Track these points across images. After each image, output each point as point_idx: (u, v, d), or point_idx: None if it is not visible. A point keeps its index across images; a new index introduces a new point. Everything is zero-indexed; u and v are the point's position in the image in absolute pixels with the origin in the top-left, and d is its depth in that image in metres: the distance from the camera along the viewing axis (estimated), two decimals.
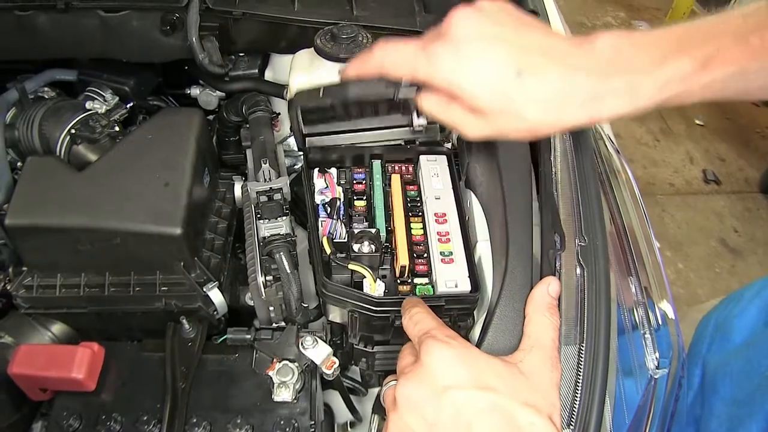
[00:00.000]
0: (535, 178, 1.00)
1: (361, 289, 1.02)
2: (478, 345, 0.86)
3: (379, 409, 1.35)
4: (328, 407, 1.38)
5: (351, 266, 1.01)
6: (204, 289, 1.18)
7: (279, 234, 1.04)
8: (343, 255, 1.04)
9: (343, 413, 1.38)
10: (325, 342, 1.13)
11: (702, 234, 3.65)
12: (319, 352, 1.10)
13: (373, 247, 1.05)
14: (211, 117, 1.59)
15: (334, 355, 1.17)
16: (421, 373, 0.68)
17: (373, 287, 1.02)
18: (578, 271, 0.90)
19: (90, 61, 1.44)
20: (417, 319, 0.78)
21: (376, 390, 1.37)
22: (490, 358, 0.70)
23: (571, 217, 0.95)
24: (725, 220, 3.75)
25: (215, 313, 1.22)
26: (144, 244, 1.04)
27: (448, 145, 1.30)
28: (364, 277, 1.01)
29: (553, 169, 0.98)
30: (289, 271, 1.03)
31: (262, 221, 1.06)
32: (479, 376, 0.66)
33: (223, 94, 1.52)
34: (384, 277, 1.08)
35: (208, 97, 1.54)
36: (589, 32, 0.64)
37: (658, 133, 4.27)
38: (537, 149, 1.02)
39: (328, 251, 1.02)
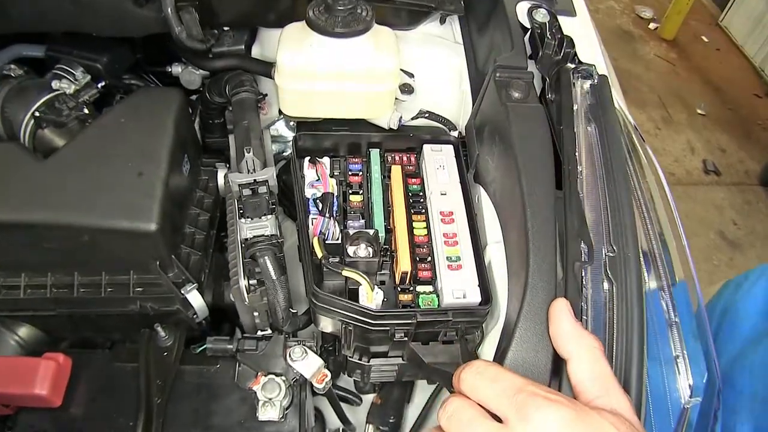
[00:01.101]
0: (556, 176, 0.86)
1: (357, 298, 0.89)
2: (500, 358, 0.73)
3: (374, 417, 1.24)
4: (318, 412, 1.26)
5: (345, 273, 0.87)
6: (182, 291, 1.05)
7: (263, 235, 0.90)
8: (337, 259, 0.90)
9: (335, 418, 1.25)
10: (316, 352, 1.00)
11: (701, 225, 3.55)
12: (308, 364, 0.97)
13: (370, 250, 0.91)
14: (194, 97, 1.44)
15: (326, 364, 1.04)
16: None
17: (370, 296, 0.88)
18: (605, 286, 0.77)
19: (63, 36, 1.29)
20: (492, 376, 0.63)
21: (370, 397, 1.25)
22: (601, 413, 0.59)
23: (598, 222, 0.81)
24: (725, 212, 3.65)
25: (195, 316, 1.09)
26: (115, 241, 0.94)
27: (455, 134, 1.16)
28: (360, 284, 0.88)
29: (579, 167, 0.84)
30: (274, 278, 0.89)
31: (244, 220, 0.92)
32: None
33: (207, 72, 1.36)
34: (382, 283, 0.94)
35: (190, 75, 1.38)
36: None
37: (659, 121, 4.13)
38: (559, 143, 0.88)
39: (320, 255, 0.88)
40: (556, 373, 0.72)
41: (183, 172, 1.14)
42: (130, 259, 0.99)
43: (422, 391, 1.26)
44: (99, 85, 1.21)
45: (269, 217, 0.91)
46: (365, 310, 0.84)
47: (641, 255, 0.79)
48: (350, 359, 0.97)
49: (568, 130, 0.87)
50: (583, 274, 0.75)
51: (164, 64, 1.38)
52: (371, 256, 0.90)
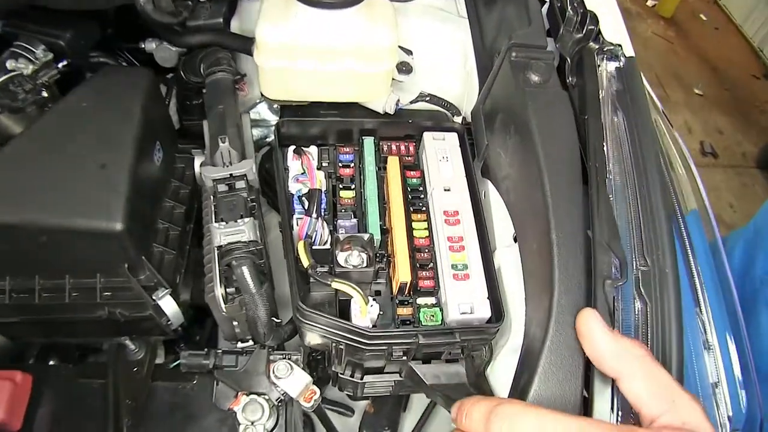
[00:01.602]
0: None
1: (348, 311, 0.77)
2: (520, 396, 0.62)
3: (367, 427, 1.13)
4: (307, 418, 1.15)
5: (335, 285, 0.74)
6: (153, 297, 0.94)
7: (240, 242, 0.77)
8: (326, 269, 0.77)
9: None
10: (303, 367, 0.88)
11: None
12: (294, 381, 0.86)
13: (364, 257, 0.78)
14: (172, 75, 1.29)
15: (314, 373, 0.93)
16: None
17: (364, 311, 0.76)
18: (638, 305, 0.65)
19: (25, 9, 1.14)
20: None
21: (363, 404, 1.14)
22: None
23: (627, 229, 0.69)
24: (721, 195, 3.54)
25: (169, 324, 0.96)
26: (77, 242, 0.84)
27: (459, 120, 1.02)
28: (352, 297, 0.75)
29: (608, 164, 0.71)
30: (254, 290, 0.76)
31: (218, 224, 0.78)
32: None
33: (184, 49, 1.22)
34: (378, 293, 0.82)
35: (165, 52, 1.23)
36: None
37: (655, 101, 4.00)
38: (584, 136, 0.75)
39: (306, 263, 0.76)
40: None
41: (154, 161, 1.02)
42: (95, 261, 0.90)
43: (420, 398, 1.15)
44: (60, 65, 1.07)
45: (246, 220, 0.78)
46: (358, 330, 0.72)
47: (679, 269, 0.66)
48: (341, 376, 0.85)
49: (594, 120, 0.74)
50: (614, 294, 0.63)
51: (138, 39, 1.24)
52: (365, 264, 0.77)
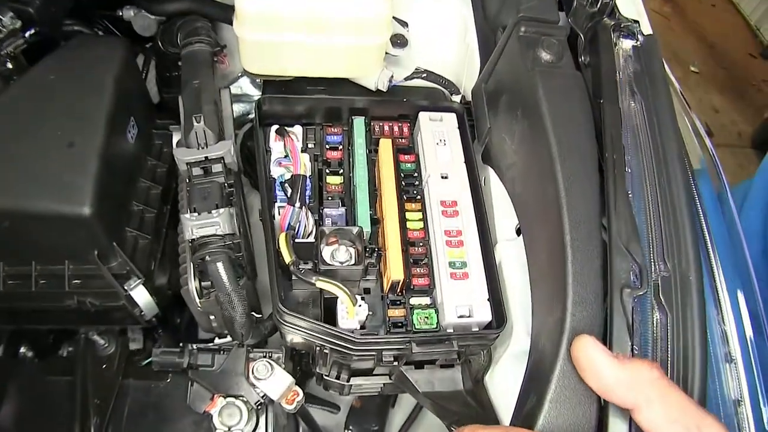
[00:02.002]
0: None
1: (334, 310, 0.69)
2: (526, 422, 0.54)
3: (354, 422, 1.07)
4: (294, 416, 1.08)
5: (320, 284, 0.66)
6: (125, 287, 0.87)
7: (215, 235, 0.68)
8: (309, 266, 0.69)
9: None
10: (285, 366, 0.80)
11: None
12: (275, 383, 0.79)
13: (352, 252, 0.70)
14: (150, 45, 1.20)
15: (297, 366, 0.86)
16: None
17: (352, 312, 0.68)
18: (657, 316, 0.57)
19: None
20: None
21: (350, 397, 1.07)
22: None
23: (645, 230, 0.61)
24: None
25: (142, 315, 0.88)
26: (43, 227, 0.79)
27: (458, 99, 0.93)
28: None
29: (626, 156, 0.63)
30: (230, 289, 0.68)
31: (189, 215, 0.69)
32: None
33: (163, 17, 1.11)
34: (367, 291, 0.74)
35: (144, 20, 1.13)
36: None
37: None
38: (600, 123, 0.66)
39: (288, 259, 0.67)
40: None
41: (128, 138, 0.94)
42: (62, 247, 0.84)
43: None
44: (26, 34, 0.97)
45: (222, 211, 0.69)
46: (344, 335, 0.64)
47: (704, 274, 0.59)
48: (327, 378, 0.78)
49: (610, 105, 0.66)
50: (633, 305, 0.55)
51: (115, 7, 1.14)
52: (353, 261, 0.69)
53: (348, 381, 0.77)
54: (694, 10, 4.58)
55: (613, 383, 0.50)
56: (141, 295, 0.88)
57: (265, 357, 0.81)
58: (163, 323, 1.03)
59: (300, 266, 0.67)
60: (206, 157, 0.75)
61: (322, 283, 0.66)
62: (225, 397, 0.78)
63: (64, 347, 0.93)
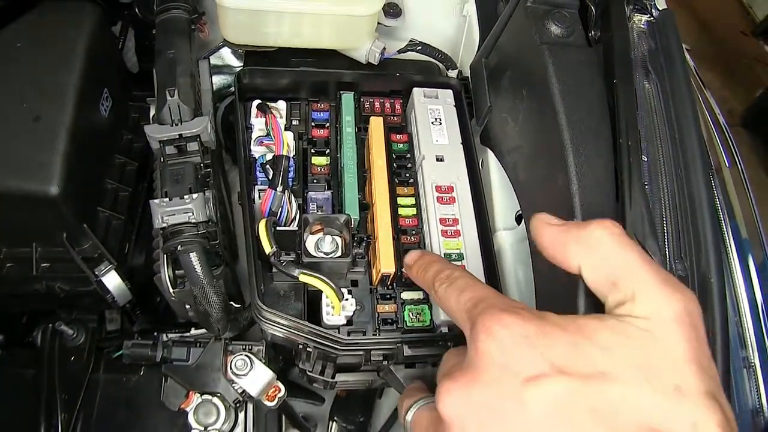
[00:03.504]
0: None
1: (319, 304, 0.62)
2: None
3: (339, 413, 1.01)
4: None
5: (303, 278, 0.59)
6: (95, 272, 0.80)
7: (187, 223, 0.60)
8: (291, 257, 0.62)
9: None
10: (264, 360, 0.74)
11: None
12: (255, 378, 0.74)
13: (339, 242, 0.63)
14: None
15: (278, 356, 0.80)
16: (478, 367, 0.36)
17: (338, 308, 0.61)
18: None
19: None
20: (461, 285, 0.44)
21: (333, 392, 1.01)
22: (583, 320, 0.36)
23: (658, 225, 0.55)
24: None
25: (115, 301, 0.82)
26: (7, 207, 0.73)
27: (455, 74, 0.86)
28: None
29: (641, 142, 0.56)
30: (204, 282, 0.60)
31: (159, 200, 0.61)
32: (577, 354, 0.34)
33: None
34: (355, 284, 0.67)
35: None
36: None
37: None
38: (614, 105, 0.59)
39: (268, 249, 0.60)
40: None
41: (100, 112, 0.87)
42: (30, 229, 0.79)
43: None
44: None
45: (195, 196, 0.61)
46: (329, 335, 0.57)
47: (725, 274, 0.53)
48: (310, 374, 0.71)
49: (624, 86, 0.58)
50: None
51: None
52: (340, 253, 0.62)
53: (333, 377, 0.70)
54: None
55: (554, 238, 0.41)
56: (112, 281, 0.82)
57: (244, 350, 0.75)
58: (141, 303, 0.97)
59: (281, 257, 0.60)
60: (180, 135, 0.67)
61: (305, 277, 0.59)
62: (201, 394, 0.72)
63: (29, 337, 0.87)
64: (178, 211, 0.60)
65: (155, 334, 0.77)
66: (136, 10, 0.99)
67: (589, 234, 0.39)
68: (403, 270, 0.64)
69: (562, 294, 0.51)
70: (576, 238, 0.39)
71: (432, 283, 0.48)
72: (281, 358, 0.85)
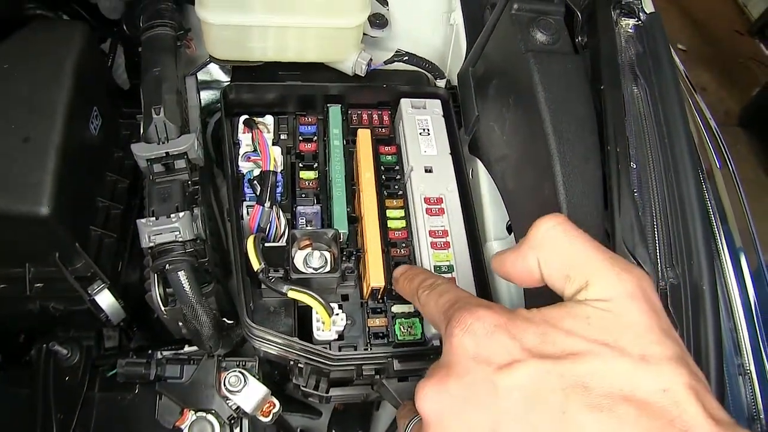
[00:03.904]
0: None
1: (309, 318, 0.62)
2: None
3: (336, 426, 1.00)
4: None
5: (292, 294, 0.58)
6: (89, 291, 0.78)
7: (175, 242, 0.60)
8: (280, 273, 0.61)
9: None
10: (258, 377, 0.73)
11: None
12: (249, 394, 0.73)
13: (327, 257, 0.62)
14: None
15: (274, 370, 0.79)
16: (452, 361, 0.38)
17: (328, 323, 0.60)
18: None
19: None
20: (441, 290, 0.46)
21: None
22: (547, 310, 0.38)
23: (649, 232, 0.54)
24: None
25: (108, 320, 0.81)
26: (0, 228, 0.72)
27: (443, 83, 0.85)
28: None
29: (630, 149, 0.55)
30: (193, 301, 0.60)
31: (146, 219, 0.61)
32: (545, 341, 0.36)
33: None
34: (345, 298, 0.66)
35: (111, 1, 1.04)
36: None
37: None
38: (601, 112, 0.58)
39: (256, 266, 0.59)
40: None
41: (91, 130, 0.86)
42: (22, 249, 0.77)
43: None
44: None
45: (182, 215, 0.60)
46: (319, 351, 0.57)
47: (718, 282, 0.52)
48: (304, 388, 0.70)
49: (612, 91, 0.58)
50: None
51: None
52: (329, 268, 0.61)
53: (327, 392, 0.69)
54: None
55: (509, 260, 0.42)
56: (106, 300, 0.80)
57: (237, 366, 0.74)
58: (137, 320, 0.96)
59: (270, 274, 0.59)
60: (167, 153, 0.67)
61: (294, 293, 0.58)
62: (195, 411, 0.71)
63: (27, 356, 0.86)
64: (165, 230, 0.59)
65: (149, 351, 0.77)
66: (124, 27, 0.99)
67: (537, 229, 0.40)
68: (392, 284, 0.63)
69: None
70: (527, 241, 0.40)
71: (416, 292, 0.49)
72: (276, 372, 0.84)
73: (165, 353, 0.77)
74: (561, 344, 0.35)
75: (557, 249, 0.39)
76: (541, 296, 0.38)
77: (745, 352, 0.57)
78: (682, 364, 0.33)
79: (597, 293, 0.36)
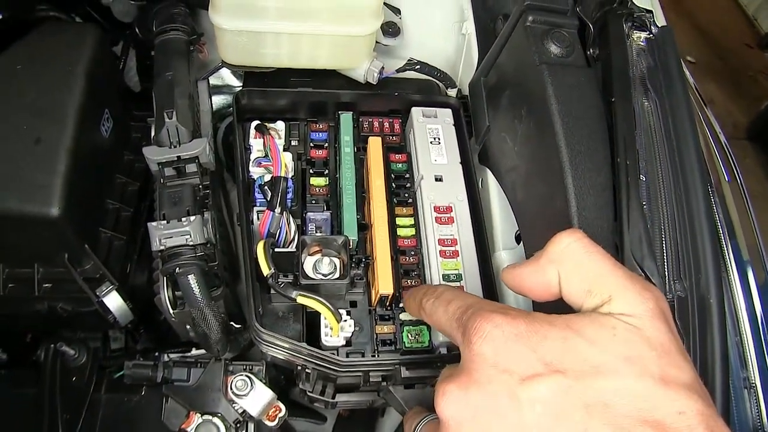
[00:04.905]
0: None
1: (318, 324, 0.62)
2: None
3: None
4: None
5: (301, 300, 0.59)
6: (97, 293, 0.79)
7: (185, 245, 0.60)
8: (289, 279, 0.62)
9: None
10: (264, 381, 0.74)
11: None
12: (256, 398, 0.73)
13: (337, 264, 0.63)
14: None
15: (281, 375, 0.79)
16: (474, 368, 0.37)
17: (336, 329, 0.61)
18: None
19: None
20: (447, 297, 0.45)
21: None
22: (568, 317, 0.37)
23: (657, 244, 0.54)
24: None
25: (116, 322, 0.82)
26: (9, 229, 0.73)
27: (454, 93, 0.86)
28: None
29: (640, 161, 0.56)
30: (202, 304, 0.60)
31: (156, 222, 0.62)
32: (568, 349, 0.35)
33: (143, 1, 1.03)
34: (353, 304, 0.67)
35: (123, 5, 1.05)
36: None
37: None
38: (613, 124, 0.59)
39: (266, 271, 0.60)
40: None
41: (101, 132, 0.87)
42: (32, 249, 0.78)
43: None
44: None
45: (193, 218, 0.61)
46: (327, 357, 0.57)
47: (725, 295, 0.52)
48: (310, 394, 0.71)
49: (623, 104, 0.58)
50: None
51: None
52: (338, 274, 0.62)
53: (333, 397, 0.70)
54: None
55: (524, 273, 0.42)
56: (114, 302, 0.81)
57: (244, 370, 0.74)
58: (144, 322, 0.97)
59: (279, 279, 0.60)
60: (179, 157, 0.67)
61: (303, 299, 0.59)
62: (201, 414, 0.72)
63: (34, 356, 0.87)
64: (176, 233, 0.60)
65: (156, 354, 0.77)
66: (137, 30, 1.00)
67: (557, 244, 0.40)
68: (402, 290, 0.64)
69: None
70: (546, 254, 0.41)
71: (420, 304, 0.49)
72: (283, 377, 0.85)
73: (172, 356, 0.77)
74: (584, 355, 0.35)
75: (578, 264, 0.39)
76: (555, 310, 0.39)
77: (750, 366, 0.57)
78: (697, 389, 0.34)
79: (622, 308, 0.36)
